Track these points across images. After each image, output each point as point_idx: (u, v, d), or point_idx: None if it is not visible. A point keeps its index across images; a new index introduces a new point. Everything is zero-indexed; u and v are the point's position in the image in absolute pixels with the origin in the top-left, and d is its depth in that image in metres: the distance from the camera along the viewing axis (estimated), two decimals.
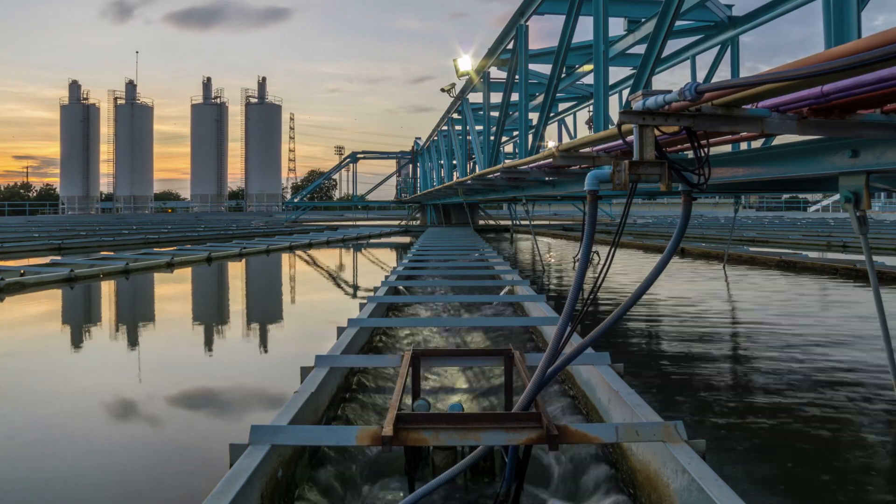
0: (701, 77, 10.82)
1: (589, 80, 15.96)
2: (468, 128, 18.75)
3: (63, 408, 4.94)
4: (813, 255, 16.84)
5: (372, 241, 30.24)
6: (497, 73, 15.45)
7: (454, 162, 26.17)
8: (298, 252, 21.77)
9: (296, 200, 55.79)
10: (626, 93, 14.68)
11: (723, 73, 10.36)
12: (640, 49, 10.45)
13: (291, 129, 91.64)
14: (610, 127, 7.24)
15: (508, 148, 28.30)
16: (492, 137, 14.54)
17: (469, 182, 16.34)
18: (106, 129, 78.11)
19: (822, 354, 6.48)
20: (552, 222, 43.43)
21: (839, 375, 5.66)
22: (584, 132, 22.07)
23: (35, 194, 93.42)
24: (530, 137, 11.61)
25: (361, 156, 53.29)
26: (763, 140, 6.83)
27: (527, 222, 22.75)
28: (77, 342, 7.81)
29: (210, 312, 10.44)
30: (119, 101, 77.77)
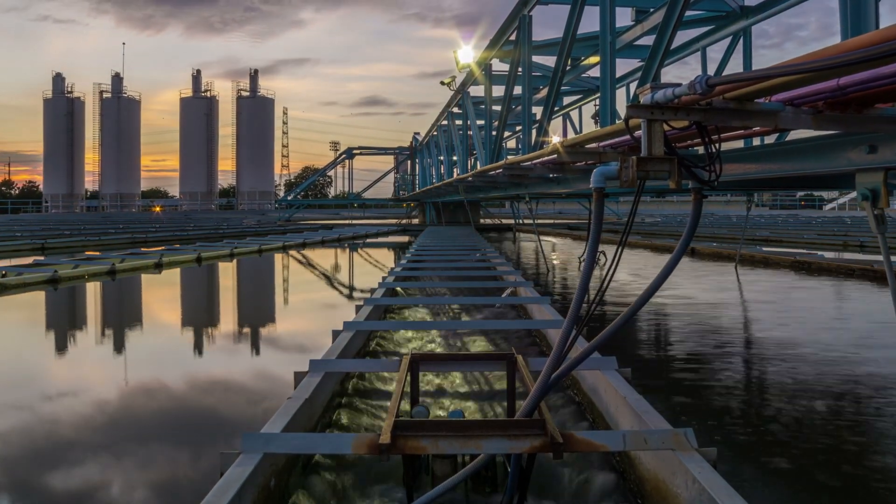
0: (712, 70, 10.81)
1: (595, 72, 15.94)
2: (469, 122, 18.75)
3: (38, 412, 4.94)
4: (829, 255, 16.84)
5: (369, 240, 30.24)
6: (499, 66, 15.45)
7: (454, 158, 26.16)
8: (292, 252, 21.77)
9: (289, 198, 55.77)
10: (633, 86, 14.67)
11: (735, 66, 10.35)
12: (649, 40, 10.42)
13: (285, 123, 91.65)
14: (617, 121, 7.23)
15: (511, 143, 28.27)
16: (494, 132, 14.53)
17: (470, 179, 16.33)
18: (91, 123, 78.18)
19: (843, 363, 6.47)
20: (557, 221, 43.45)
21: (859, 389, 5.66)
22: (589, 127, 22.04)
23: (17, 192, 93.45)
24: (534, 132, 11.61)
25: (358, 151, 53.29)
26: (777, 135, 6.83)
27: (530, 221, 22.81)
28: (60, 348, 7.81)
29: (200, 316, 10.44)
30: (105, 95, 77.79)
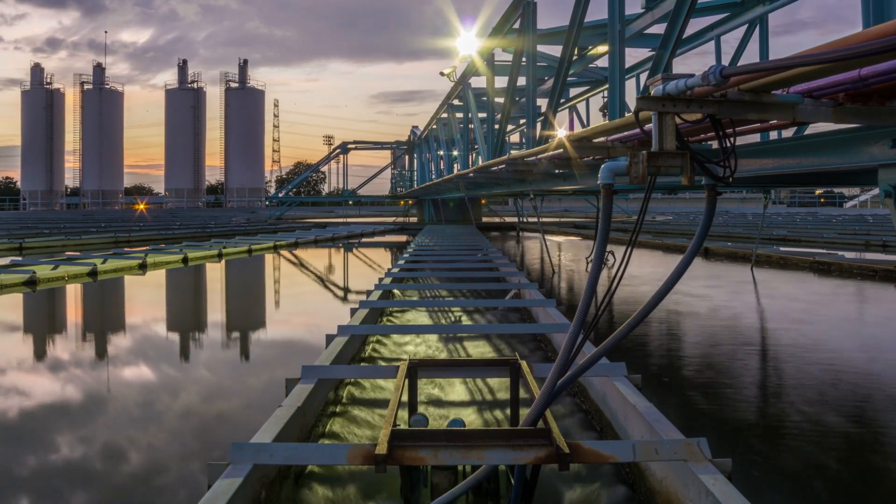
0: (726, 59, 10.81)
1: (603, 62, 15.94)
2: (470, 115, 18.74)
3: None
4: (850, 255, 16.85)
5: (364, 239, 30.28)
6: (502, 56, 15.44)
7: (455, 153, 26.17)
8: (283, 252, 21.79)
9: (280, 195, 55.79)
10: (644, 77, 14.67)
11: (751, 56, 10.34)
12: (660, 28, 10.42)
13: (276, 116, 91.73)
14: (626, 114, 7.23)
15: (514, 137, 28.29)
16: (496, 126, 14.53)
17: (471, 175, 16.32)
18: (72, 116, 78.15)
19: (868, 376, 6.47)
20: (563, 219, 43.47)
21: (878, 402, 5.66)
22: (597, 120, 22.03)
23: None
24: (538, 126, 11.60)
25: (353, 146, 53.31)
26: (795, 129, 6.83)
27: (534, 219, 22.82)
28: (38, 355, 7.80)
29: (187, 320, 10.44)
30: (86, 86, 77.80)
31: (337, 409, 4.89)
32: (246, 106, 78.66)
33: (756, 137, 5.59)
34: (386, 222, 43.50)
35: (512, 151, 14.15)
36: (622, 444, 3.17)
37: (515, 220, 36.82)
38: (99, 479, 3.89)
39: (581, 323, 3.21)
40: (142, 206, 76.56)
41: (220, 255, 18.83)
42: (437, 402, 5.16)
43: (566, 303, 10.53)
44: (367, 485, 3.58)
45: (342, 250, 24.14)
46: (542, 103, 14.86)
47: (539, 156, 8.65)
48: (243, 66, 79.71)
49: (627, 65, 11.07)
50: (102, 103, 77.18)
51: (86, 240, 24.95)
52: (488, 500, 3.39)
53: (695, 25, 11.35)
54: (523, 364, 4.19)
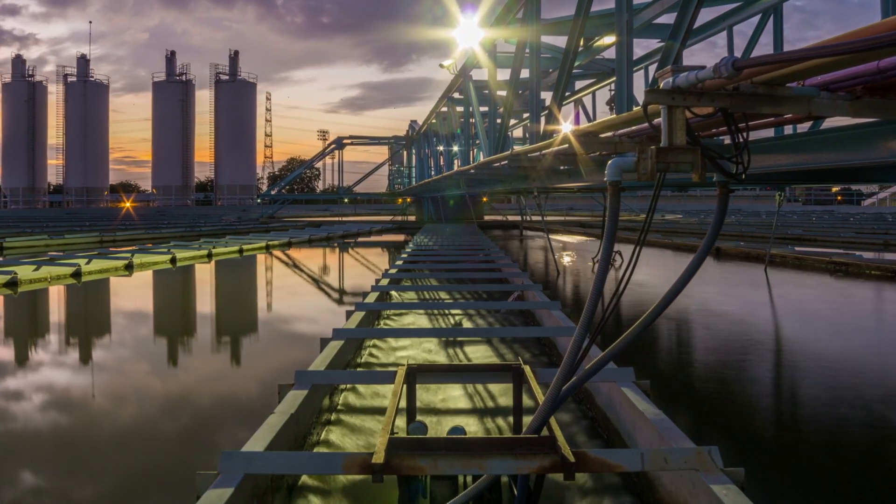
0: (739, 51, 10.80)
1: (610, 53, 15.93)
2: (471, 109, 18.73)
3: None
4: (868, 255, 16.85)
5: (361, 239, 30.30)
6: (505, 47, 15.43)
7: (455, 148, 26.17)
8: (276, 252, 21.80)
9: (273, 192, 55.80)
10: (652, 69, 14.66)
11: (764, 47, 10.34)
12: (670, 18, 10.42)
13: (268, 110, 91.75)
14: (634, 108, 7.23)
15: (517, 132, 28.28)
16: (498, 120, 14.52)
17: (472, 171, 16.32)
18: (55, 111, 78.12)
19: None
20: (568, 218, 43.51)
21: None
22: (604, 114, 22.01)
23: None
24: (542, 120, 11.59)
25: (348, 141, 53.30)
26: (810, 123, 6.82)
27: (538, 217, 22.79)
28: (19, 361, 7.81)
29: (175, 324, 10.44)
30: (70, 79, 77.77)
31: (332, 417, 4.88)
32: (236, 99, 78.56)
33: (770, 132, 5.60)
34: (383, 221, 43.53)
35: (515, 147, 14.16)
36: (630, 452, 3.17)
37: (518, 218, 36.86)
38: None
39: (587, 326, 3.21)
40: (128, 204, 76.43)
41: (209, 256, 18.83)
42: (437, 409, 5.16)
43: (571, 305, 10.53)
44: (364, 495, 3.58)
45: (338, 250, 24.16)
46: (547, 96, 14.84)
47: (543, 151, 8.65)
48: (234, 58, 79.64)
49: (636, 56, 11.06)
50: (87, 96, 77.11)
51: (69, 239, 24.95)
52: None
53: (706, 15, 11.34)
54: (526, 369, 4.19)
